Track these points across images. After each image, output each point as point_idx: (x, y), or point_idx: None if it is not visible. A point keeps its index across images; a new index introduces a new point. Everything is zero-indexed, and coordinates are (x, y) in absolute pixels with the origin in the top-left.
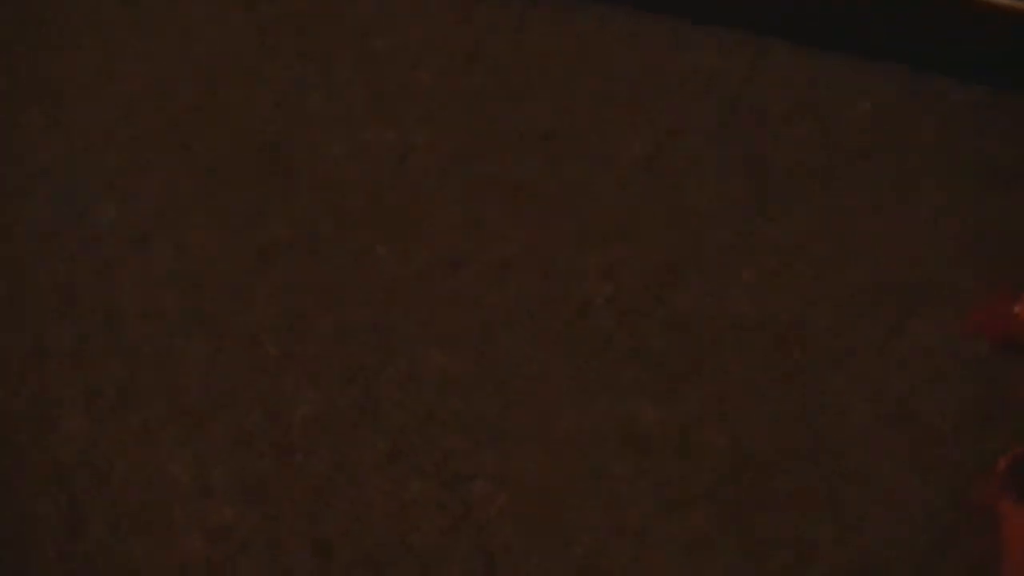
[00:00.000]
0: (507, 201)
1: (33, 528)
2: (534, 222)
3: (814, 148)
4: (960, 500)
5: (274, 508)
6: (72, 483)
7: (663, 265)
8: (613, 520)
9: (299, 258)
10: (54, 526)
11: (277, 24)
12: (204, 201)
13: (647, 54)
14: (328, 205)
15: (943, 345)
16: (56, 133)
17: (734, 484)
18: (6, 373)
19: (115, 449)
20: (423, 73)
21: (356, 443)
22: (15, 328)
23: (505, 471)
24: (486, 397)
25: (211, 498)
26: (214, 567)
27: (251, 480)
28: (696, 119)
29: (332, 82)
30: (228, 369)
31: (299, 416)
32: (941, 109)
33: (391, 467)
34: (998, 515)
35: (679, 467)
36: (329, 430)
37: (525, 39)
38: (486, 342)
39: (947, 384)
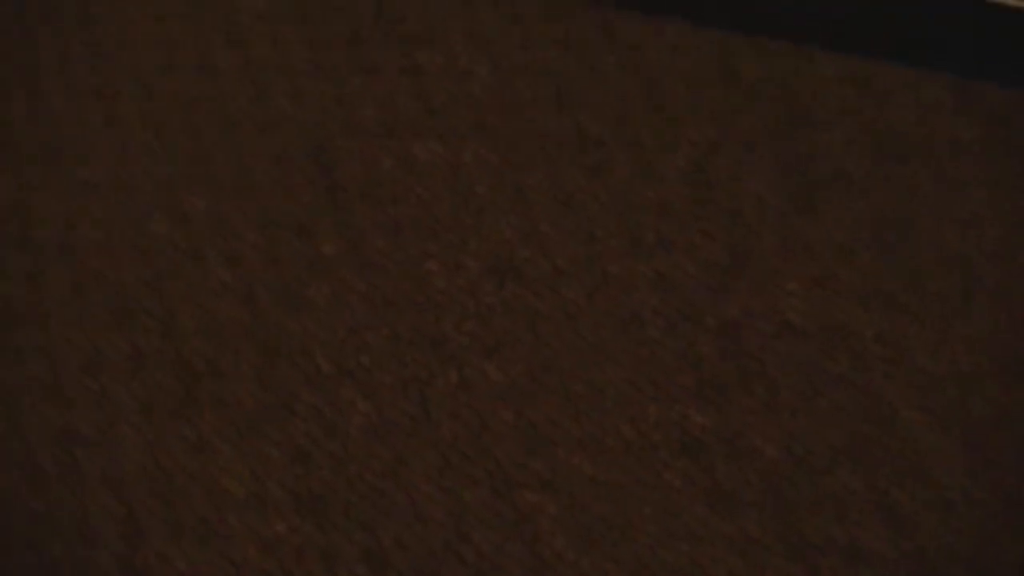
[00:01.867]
0: (557, 211)
1: (92, 538)
2: (584, 232)
3: (858, 154)
4: (1012, 502)
5: (329, 519)
6: (130, 494)
7: (711, 273)
8: (665, 526)
9: (351, 271)
10: (112, 536)
11: (328, 38)
12: (255, 215)
13: (694, 64)
14: (378, 218)
15: (991, 346)
16: (110, 142)
17: (784, 488)
18: (64, 385)
19: (172, 461)
20: (472, 86)
21: (410, 454)
22: (73, 341)
23: (557, 479)
24: (537, 406)
25: (267, 509)
26: None
27: (306, 491)
28: (741, 127)
29: (382, 95)
30: (282, 382)
31: (353, 428)
32: (983, 113)
33: (444, 477)
34: None
35: (730, 472)
36: (383, 441)
37: (573, 51)
38: (537, 352)
39: (996, 385)
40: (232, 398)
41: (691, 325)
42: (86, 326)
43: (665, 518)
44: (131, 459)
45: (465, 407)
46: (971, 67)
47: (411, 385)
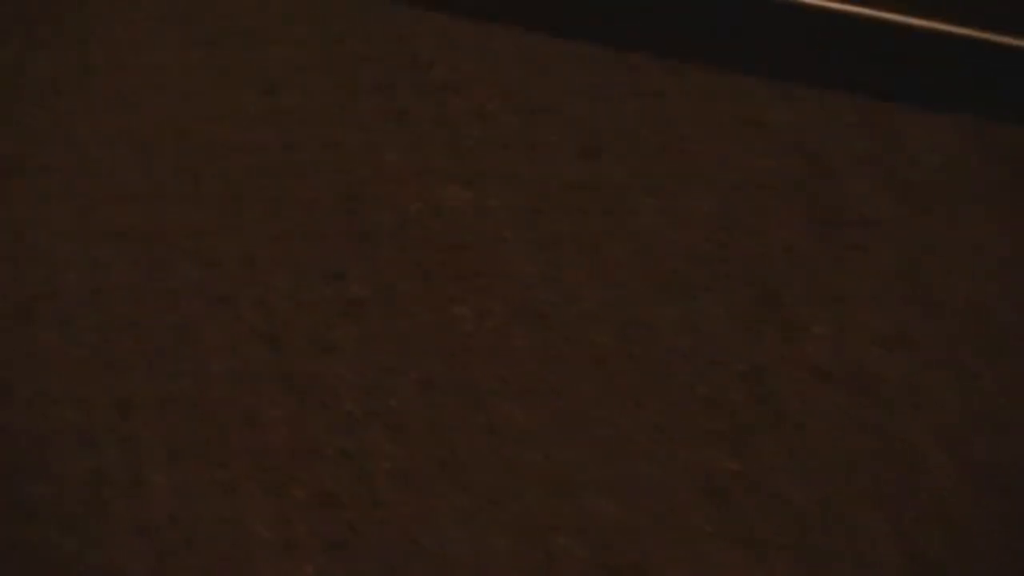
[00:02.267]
0: (583, 256)
1: None
2: (610, 276)
3: (881, 201)
4: None
5: (357, 564)
6: (159, 539)
7: (738, 318)
8: (694, 570)
9: (379, 315)
10: None
11: (356, 84)
12: (285, 259)
13: (716, 110)
14: (407, 262)
15: (1017, 394)
16: (144, 190)
17: (812, 533)
18: (92, 430)
19: (200, 505)
20: (498, 131)
21: (438, 498)
22: (102, 386)
23: (586, 524)
24: (565, 451)
25: (295, 554)
26: None
27: (334, 536)
28: (765, 172)
29: (410, 141)
30: (311, 425)
31: (381, 472)
32: (1009, 159)
33: (473, 521)
34: None
35: (757, 517)
36: (411, 485)
37: (599, 96)
38: (565, 396)
39: (1022, 433)
40: (260, 442)
41: (719, 369)
42: (116, 372)
43: (695, 564)
44: (160, 504)
45: (493, 451)
46: (999, 113)
47: (439, 429)
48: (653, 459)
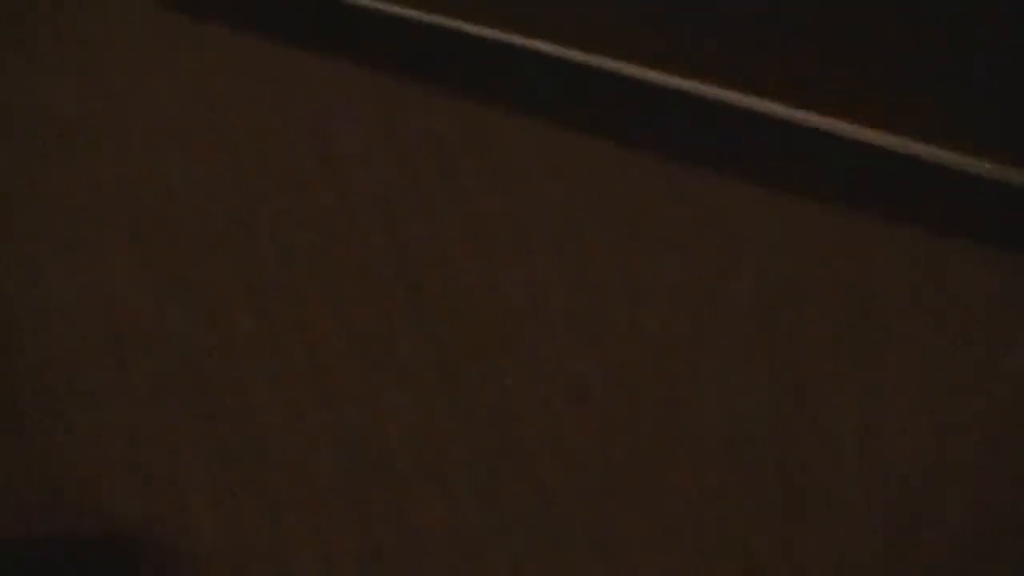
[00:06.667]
0: (633, 343)
1: None
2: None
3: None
4: None
5: None
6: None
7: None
8: None
9: (431, 381)
10: None
11: (418, 155)
12: (337, 321)
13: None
14: (459, 334)
15: None
16: None
17: None
18: (139, 471)
19: (247, 544)
20: (559, 216)
21: (485, 558)
22: (152, 429)
23: None
24: (611, 523)
25: None
26: None
27: None
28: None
29: (471, 221)
30: (360, 480)
31: (427, 527)
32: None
33: None
34: None
35: None
36: (459, 546)
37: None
38: (610, 472)
39: None
40: (311, 498)
41: (755, 459)
42: (167, 418)
43: None
44: (207, 542)
45: (541, 517)
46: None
47: (487, 493)
48: (693, 545)
